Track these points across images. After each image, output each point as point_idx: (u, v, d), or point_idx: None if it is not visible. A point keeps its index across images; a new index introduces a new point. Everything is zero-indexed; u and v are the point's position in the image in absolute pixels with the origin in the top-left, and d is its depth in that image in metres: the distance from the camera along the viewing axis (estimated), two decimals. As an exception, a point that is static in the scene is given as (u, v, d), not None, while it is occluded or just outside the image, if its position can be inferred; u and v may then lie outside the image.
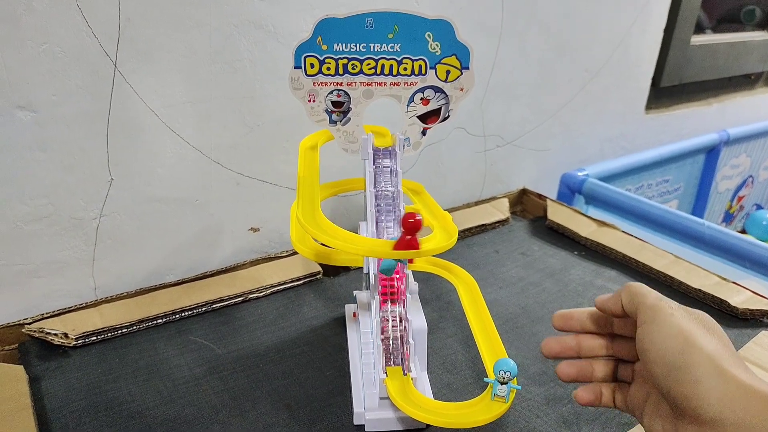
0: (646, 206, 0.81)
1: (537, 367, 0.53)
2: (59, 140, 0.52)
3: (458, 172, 0.84)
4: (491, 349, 0.47)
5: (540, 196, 0.85)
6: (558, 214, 0.80)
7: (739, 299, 0.61)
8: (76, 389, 0.48)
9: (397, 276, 0.47)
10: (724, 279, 0.65)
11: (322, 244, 0.57)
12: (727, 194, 1.34)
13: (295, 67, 0.46)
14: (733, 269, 0.72)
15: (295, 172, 0.67)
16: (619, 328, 0.40)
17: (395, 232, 0.47)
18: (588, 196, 0.88)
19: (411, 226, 0.40)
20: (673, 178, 1.13)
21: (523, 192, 0.88)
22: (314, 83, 0.47)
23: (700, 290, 0.63)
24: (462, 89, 0.49)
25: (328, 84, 0.47)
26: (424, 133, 0.51)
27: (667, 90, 1.12)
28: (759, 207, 1.51)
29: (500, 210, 0.82)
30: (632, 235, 0.74)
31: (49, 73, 0.50)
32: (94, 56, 0.51)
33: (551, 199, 0.83)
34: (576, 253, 0.74)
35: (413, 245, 0.41)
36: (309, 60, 0.46)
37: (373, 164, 0.50)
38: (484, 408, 0.42)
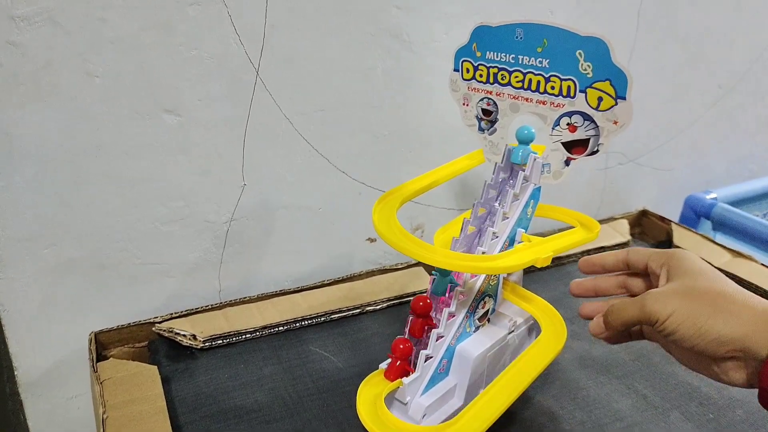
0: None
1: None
2: (200, 145, 0.53)
3: (576, 190, 0.80)
4: (486, 408, 0.40)
5: (662, 218, 0.79)
6: (685, 240, 0.75)
7: None
8: (205, 393, 0.49)
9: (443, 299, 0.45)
10: None
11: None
12: None
13: (455, 70, 0.48)
14: None
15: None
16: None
17: (463, 248, 0.47)
18: (717, 222, 0.81)
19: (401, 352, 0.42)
20: (804, 206, 1.03)
21: (643, 213, 0.82)
22: (468, 88, 0.48)
23: None
24: (616, 122, 0.43)
25: (480, 91, 0.48)
26: (567, 163, 0.47)
27: (803, 109, 1.03)
28: None
29: (620, 232, 0.77)
30: (773, 269, 0.68)
31: (196, 78, 0.50)
32: (239, 62, 0.51)
33: (676, 223, 0.78)
34: (709, 284, 0.68)
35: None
36: (465, 64, 0.48)
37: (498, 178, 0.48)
38: None
